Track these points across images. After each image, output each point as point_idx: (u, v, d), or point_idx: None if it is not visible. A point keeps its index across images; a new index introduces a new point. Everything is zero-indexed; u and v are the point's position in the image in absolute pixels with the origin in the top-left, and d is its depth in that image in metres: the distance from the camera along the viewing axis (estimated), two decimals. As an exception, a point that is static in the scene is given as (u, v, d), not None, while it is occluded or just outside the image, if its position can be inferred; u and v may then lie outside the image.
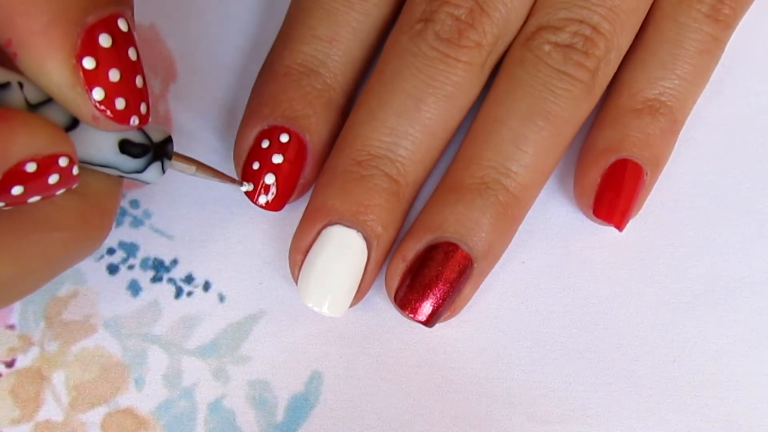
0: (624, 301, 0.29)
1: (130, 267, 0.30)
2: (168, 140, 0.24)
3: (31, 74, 0.20)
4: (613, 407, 0.28)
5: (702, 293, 0.29)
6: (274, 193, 0.28)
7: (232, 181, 0.28)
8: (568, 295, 0.29)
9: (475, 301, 0.29)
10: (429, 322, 0.27)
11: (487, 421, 0.28)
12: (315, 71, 0.28)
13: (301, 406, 0.28)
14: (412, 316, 0.27)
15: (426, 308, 0.27)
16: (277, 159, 0.27)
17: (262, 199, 0.28)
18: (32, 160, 0.20)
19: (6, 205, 0.20)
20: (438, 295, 0.27)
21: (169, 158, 0.24)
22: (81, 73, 0.20)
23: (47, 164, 0.20)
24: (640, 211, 0.29)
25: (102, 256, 0.30)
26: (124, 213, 0.30)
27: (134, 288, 0.29)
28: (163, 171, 0.24)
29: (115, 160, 0.23)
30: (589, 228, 0.30)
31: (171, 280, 0.29)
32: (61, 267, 0.24)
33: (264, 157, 0.28)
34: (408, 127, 0.27)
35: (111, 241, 0.30)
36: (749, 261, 0.30)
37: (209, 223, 0.30)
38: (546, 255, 0.30)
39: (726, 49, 0.30)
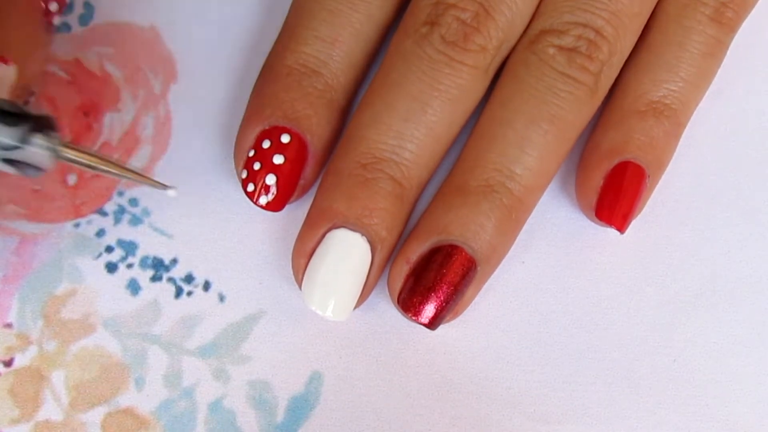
0: (624, 301, 0.29)
1: (129, 266, 0.30)
2: (42, 117, 0.21)
3: None
4: (613, 407, 0.28)
5: (702, 293, 0.29)
6: (275, 193, 0.28)
7: (154, 183, 0.24)
8: (569, 295, 0.29)
9: (476, 302, 0.29)
10: (431, 324, 0.27)
11: (487, 422, 0.28)
12: (317, 72, 0.28)
13: (301, 406, 0.28)
14: (415, 318, 0.27)
15: (429, 311, 0.27)
16: (278, 159, 0.27)
17: (263, 200, 0.28)
18: None
19: None
20: (441, 298, 0.27)
21: (54, 129, 0.21)
22: None
23: None
24: (641, 212, 0.29)
25: (100, 254, 0.30)
26: (123, 211, 0.30)
27: (133, 287, 0.29)
28: (50, 145, 0.21)
29: None
30: (590, 228, 0.30)
31: (171, 280, 0.29)
32: None
33: (265, 157, 0.27)
34: (414, 131, 0.27)
35: (110, 239, 0.30)
36: (749, 261, 0.30)
37: (209, 223, 0.30)
38: (546, 255, 0.30)
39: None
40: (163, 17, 0.31)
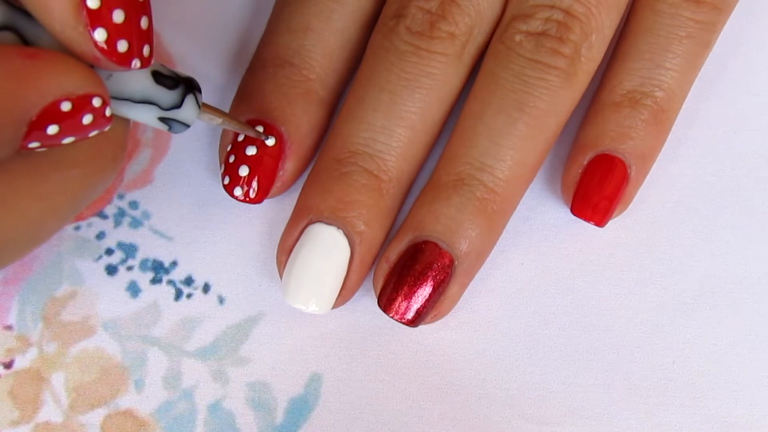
0: (623, 302, 0.29)
1: (129, 268, 0.30)
2: (190, 79, 0.24)
3: (34, 12, 0.20)
4: (612, 408, 0.28)
5: (702, 293, 0.29)
6: (253, 186, 0.28)
7: (257, 133, 0.27)
8: (567, 297, 0.29)
9: (474, 303, 0.29)
10: (413, 323, 0.27)
11: (486, 423, 0.28)
12: (289, 62, 0.28)
13: (301, 408, 0.28)
14: (396, 317, 0.27)
15: (408, 309, 0.27)
16: (251, 151, 0.27)
17: (238, 191, 0.28)
18: (67, 99, 0.20)
19: (41, 146, 0.20)
20: (420, 295, 0.27)
21: (199, 91, 0.24)
22: (84, 12, 0.20)
23: (81, 104, 0.20)
24: (640, 212, 0.29)
25: (100, 257, 0.30)
26: (123, 213, 0.30)
27: (133, 289, 0.29)
28: (198, 105, 0.24)
29: (153, 93, 0.23)
30: (588, 229, 0.30)
31: (171, 282, 0.29)
32: (81, 203, 0.23)
33: (239, 150, 0.28)
34: (384, 121, 0.27)
35: (110, 241, 0.30)
36: (749, 261, 0.30)
37: (209, 225, 0.30)
38: (545, 257, 0.30)
39: (725, 48, 0.30)
40: (162, 20, 0.31)
